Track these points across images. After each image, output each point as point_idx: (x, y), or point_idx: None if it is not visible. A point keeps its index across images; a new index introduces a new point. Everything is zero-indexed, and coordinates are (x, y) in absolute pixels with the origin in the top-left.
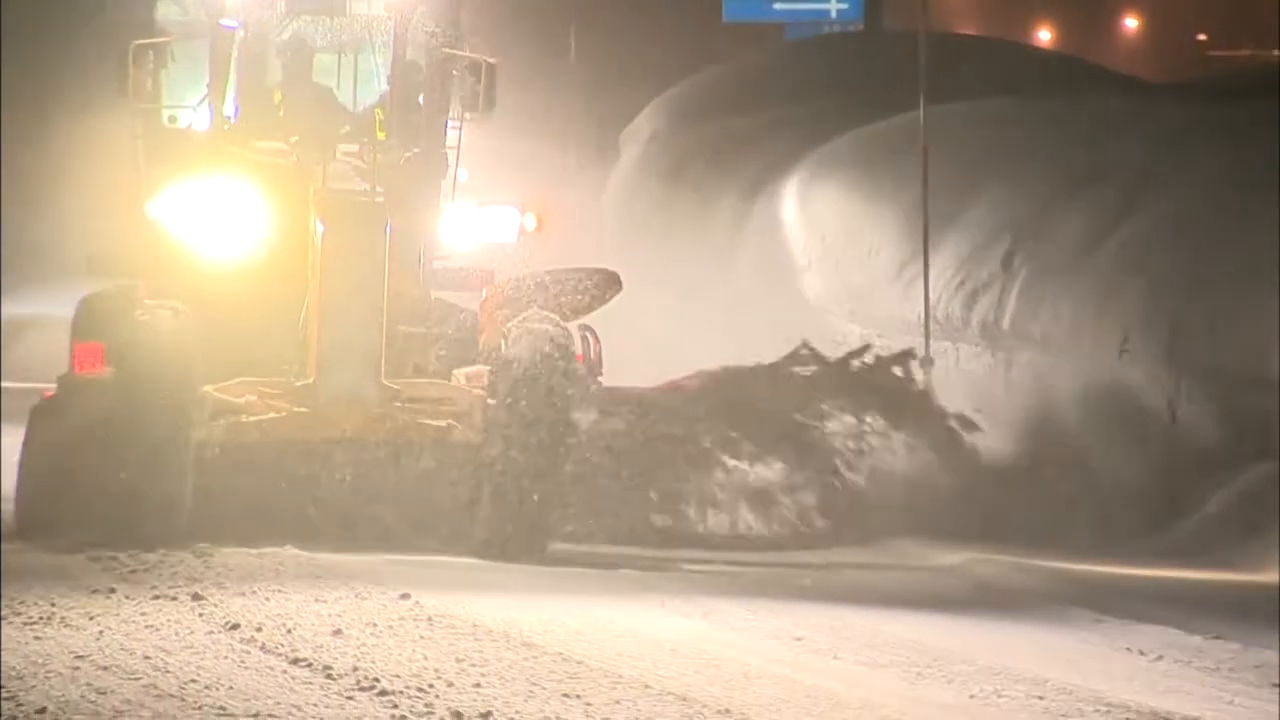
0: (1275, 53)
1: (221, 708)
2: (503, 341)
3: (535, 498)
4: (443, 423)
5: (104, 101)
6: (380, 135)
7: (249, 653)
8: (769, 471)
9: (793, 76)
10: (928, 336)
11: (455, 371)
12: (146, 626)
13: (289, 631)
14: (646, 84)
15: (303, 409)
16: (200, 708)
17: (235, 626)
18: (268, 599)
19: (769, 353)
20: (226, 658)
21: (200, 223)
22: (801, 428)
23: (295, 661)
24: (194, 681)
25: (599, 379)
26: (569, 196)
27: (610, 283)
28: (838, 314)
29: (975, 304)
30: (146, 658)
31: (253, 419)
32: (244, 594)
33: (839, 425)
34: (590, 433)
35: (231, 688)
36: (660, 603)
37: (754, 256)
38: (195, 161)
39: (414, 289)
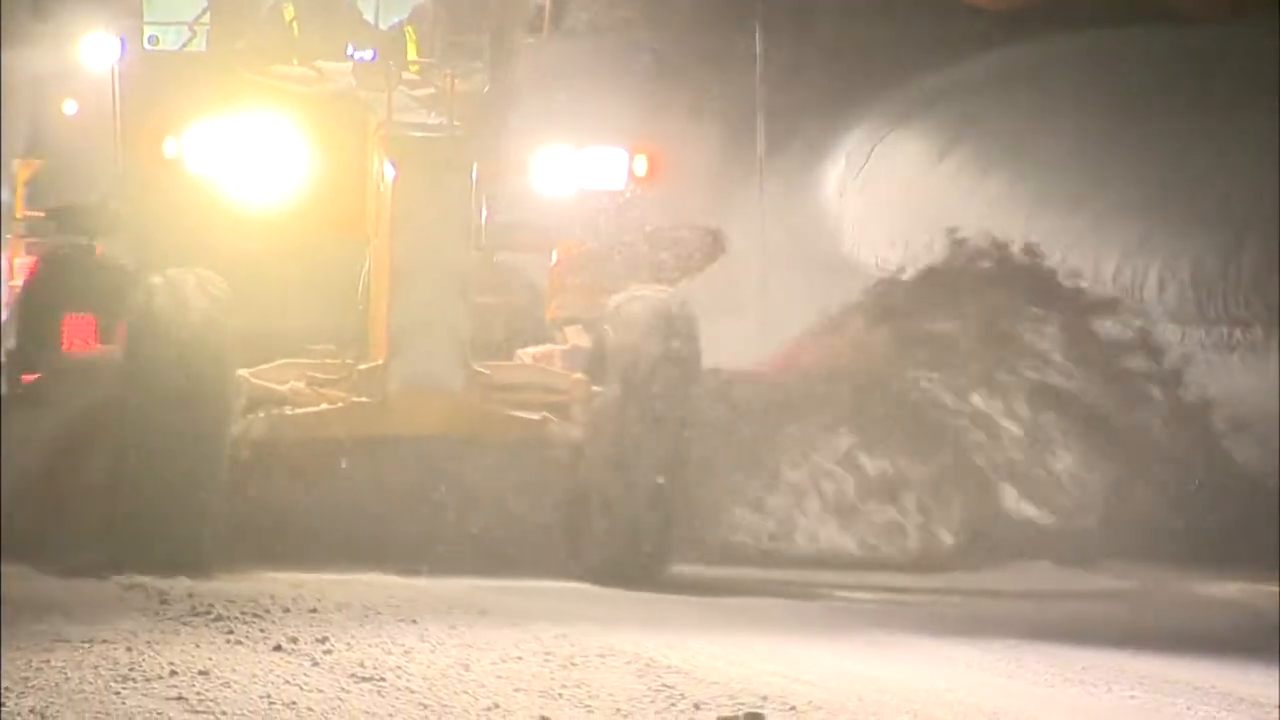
0: None
1: (56, 634)
2: (609, 315)
3: (655, 510)
4: (537, 416)
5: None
6: (412, 55)
7: (84, 581)
8: (906, 470)
9: None
10: (766, 266)
11: (519, 351)
12: None
13: None
14: None
15: (365, 399)
16: (33, 634)
17: None
18: None
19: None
20: (60, 586)
21: (225, 168)
22: (932, 404)
23: (130, 588)
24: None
25: None
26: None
27: (711, 243)
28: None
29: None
30: None
31: (300, 411)
32: None
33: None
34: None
35: (67, 614)
36: (849, 639)
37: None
38: (199, 92)
39: (476, 251)
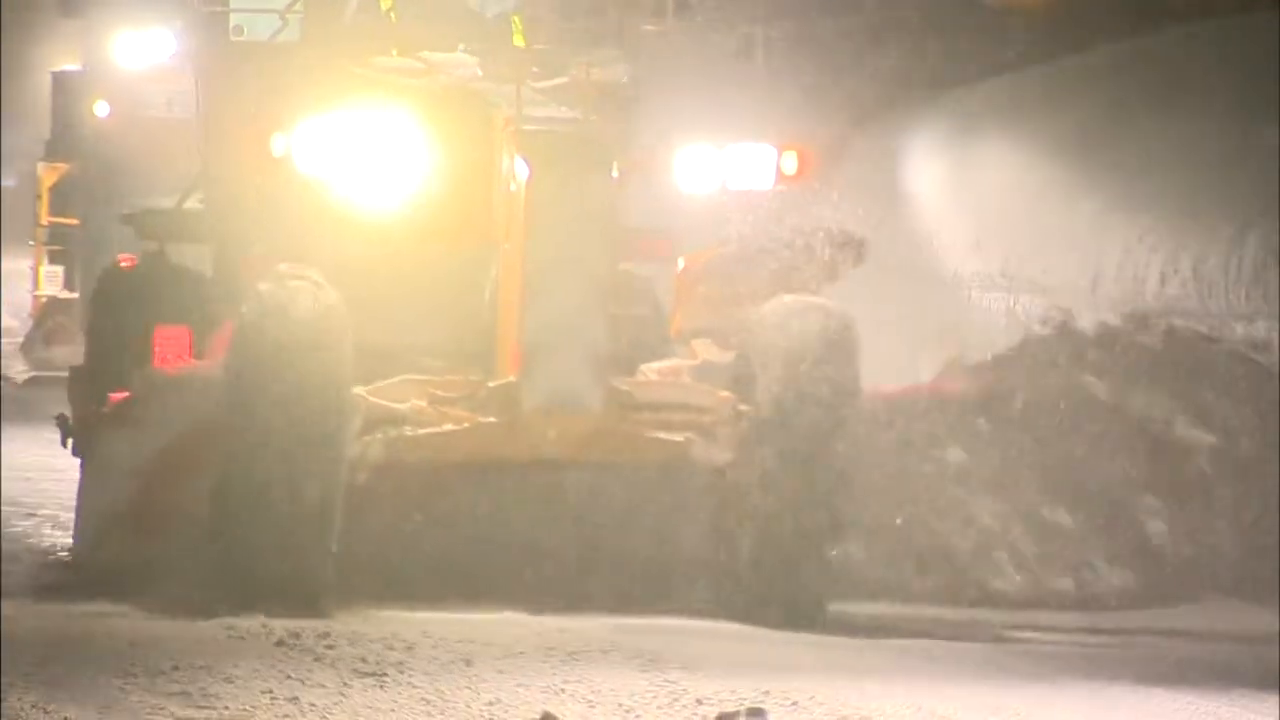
0: None
1: (59, 629)
2: (760, 325)
3: (815, 543)
4: (679, 437)
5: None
6: (519, 44)
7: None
8: (1098, 500)
9: None
10: None
11: (643, 367)
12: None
13: None
14: None
15: (493, 419)
16: (35, 630)
17: None
18: None
19: None
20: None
21: (337, 167)
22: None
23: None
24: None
25: None
26: None
27: (851, 249)
28: None
29: None
30: None
31: (422, 432)
32: None
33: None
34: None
35: (68, 612)
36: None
37: None
38: (301, 86)
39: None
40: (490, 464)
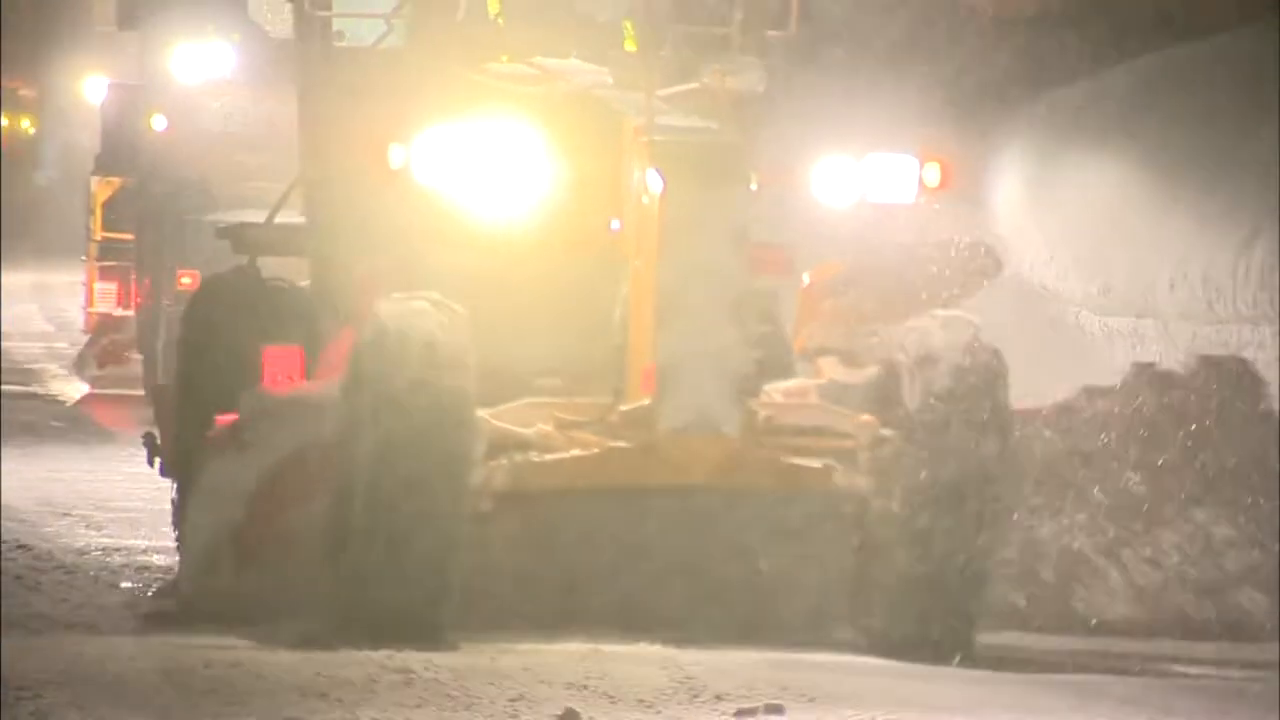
0: None
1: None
2: (904, 344)
3: (961, 573)
4: (818, 464)
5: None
6: (630, 47)
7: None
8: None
9: None
10: None
11: (767, 387)
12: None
13: None
14: None
15: (624, 443)
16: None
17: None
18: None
19: None
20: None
21: (457, 179)
22: None
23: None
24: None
25: None
26: None
27: (987, 261)
28: None
29: None
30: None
31: (549, 458)
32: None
33: None
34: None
35: (100, 611)
36: None
37: None
38: (416, 94)
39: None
40: (622, 490)
